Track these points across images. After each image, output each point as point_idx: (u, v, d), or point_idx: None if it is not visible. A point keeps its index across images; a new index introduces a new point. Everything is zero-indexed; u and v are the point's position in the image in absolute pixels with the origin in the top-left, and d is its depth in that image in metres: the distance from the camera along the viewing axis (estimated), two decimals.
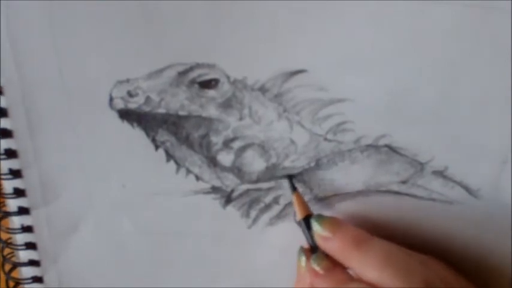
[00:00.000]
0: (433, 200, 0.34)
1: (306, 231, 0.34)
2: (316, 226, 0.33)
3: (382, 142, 0.33)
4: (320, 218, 0.33)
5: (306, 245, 0.34)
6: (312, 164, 0.34)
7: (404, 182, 0.34)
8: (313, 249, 0.33)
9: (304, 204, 0.34)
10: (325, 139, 0.34)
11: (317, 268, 0.32)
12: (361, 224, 0.34)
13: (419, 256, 0.32)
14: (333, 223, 0.33)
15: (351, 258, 0.31)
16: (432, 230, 0.35)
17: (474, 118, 0.32)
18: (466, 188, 0.33)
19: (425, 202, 0.34)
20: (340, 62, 0.32)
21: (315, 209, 0.35)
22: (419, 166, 0.33)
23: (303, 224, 0.34)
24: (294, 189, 0.35)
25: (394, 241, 0.32)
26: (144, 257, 0.38)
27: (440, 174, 0.33)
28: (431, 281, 0.30)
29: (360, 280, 0.31)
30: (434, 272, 0.31)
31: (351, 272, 0.32)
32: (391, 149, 0.33)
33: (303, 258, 0.33)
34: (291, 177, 0.35)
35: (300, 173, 0.35)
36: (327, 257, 0.32)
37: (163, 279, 0.39)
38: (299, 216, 0.34)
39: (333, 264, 0.32)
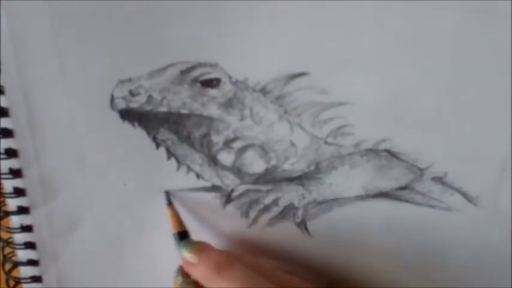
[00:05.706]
0: (432, 207, 0.34)
1: (178, 248, 0.33)
2: (184, 252, 0.32)
3: (382, 146, 0.33)
4: (187, 243, 0.33)
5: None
6: (312, 168, 0.34)
7: (403, 188, 0.34)
8: None
9: (179, 220, 0.34)
10: (326, 142, 0.34)
11: None
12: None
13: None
14: (198, 248, 0.32)
15: (211, 284, 0.31)
16: (430, 237, 0.34)
17: (474, 124, 0.32)
18: (465, 195, 0.33)
19: (424, 209, 0.34)
20: (341, 65, 0.32)
21: (314, 213, 0.35)
22: (419, 172, 0.33)
23: (177, 238, 0.34)
24: (169, 203, 0.35)
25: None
26: (144, 256, 0.39)
27: (440, 180, 0.33)
28: None
29: None
30: None
31: None
32: (391, 153, 0.33)
33: (179, 279, 0.33)
34: (167, 193, 0.36)
35: (299, 176, 0.35)
36: (196, 283, 0.32)
37: (163, 279, 0.39)
38: (173, 229, 0.34)
39: None
